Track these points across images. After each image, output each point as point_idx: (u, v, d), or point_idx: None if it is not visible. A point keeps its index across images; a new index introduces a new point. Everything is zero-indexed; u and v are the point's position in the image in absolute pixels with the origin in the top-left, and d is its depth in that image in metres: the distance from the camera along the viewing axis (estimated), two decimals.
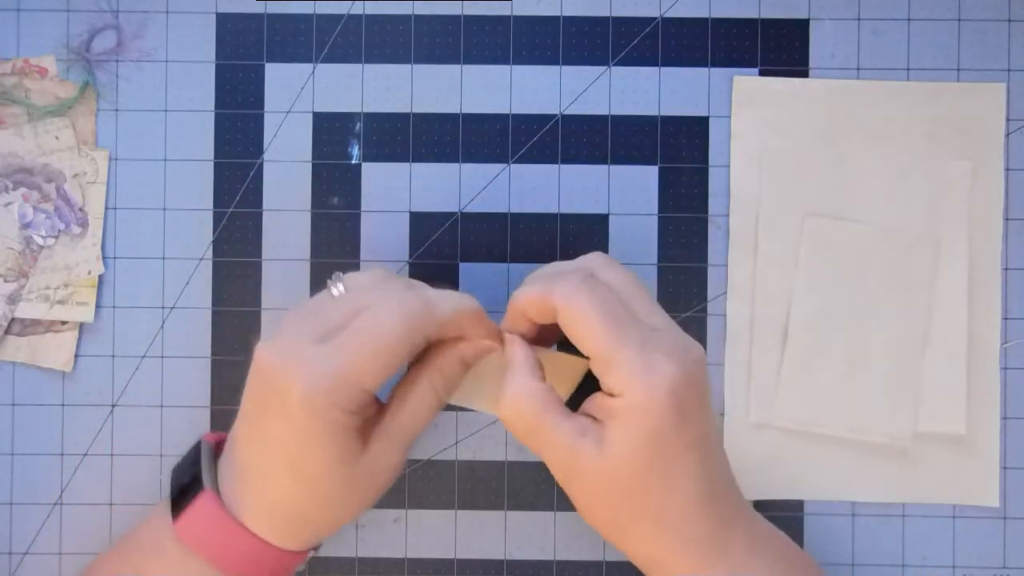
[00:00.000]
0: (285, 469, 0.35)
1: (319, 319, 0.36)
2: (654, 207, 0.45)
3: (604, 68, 0.45)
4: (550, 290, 0.35)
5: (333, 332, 0.35)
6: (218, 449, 0.39)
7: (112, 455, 0.44)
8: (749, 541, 0.37)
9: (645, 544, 0.36)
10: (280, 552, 0.37)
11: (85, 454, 0.44)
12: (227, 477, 0.37)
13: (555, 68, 0.45)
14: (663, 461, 0.34)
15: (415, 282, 0.38)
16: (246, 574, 0.36)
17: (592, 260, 0.38)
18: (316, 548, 0.39)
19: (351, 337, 0.35)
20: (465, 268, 0.45)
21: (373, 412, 0.37)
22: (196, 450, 0.38)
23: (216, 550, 0.36)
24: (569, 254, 0.44)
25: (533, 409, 0.35)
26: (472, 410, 0.41)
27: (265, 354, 0.35)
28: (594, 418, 0.36)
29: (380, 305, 0.35)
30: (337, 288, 0.37)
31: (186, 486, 0.37)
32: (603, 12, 0.45)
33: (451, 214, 0.45)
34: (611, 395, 0.35)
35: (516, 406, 0.36)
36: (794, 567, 0.38)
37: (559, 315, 0.35)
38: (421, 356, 0.38)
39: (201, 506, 0.36)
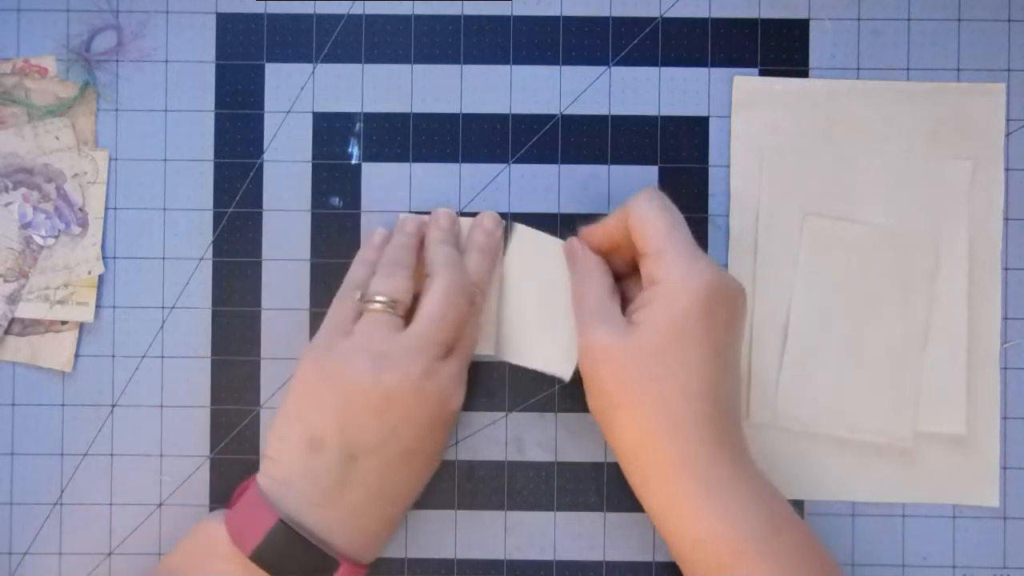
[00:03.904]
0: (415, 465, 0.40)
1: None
2: None
3: (604, 68, 0.45)
4: (626, 204, 0.40)
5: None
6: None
7: (112, 455, 0.44)
8: (740, 474, 0.38)
9: (641, 420, 0.38)
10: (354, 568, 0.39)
11: (85, 454, 0.44)
12: (314, 507, 0.38)
13: (555, 68, 0.45)
14: (684, 340, 0.38)
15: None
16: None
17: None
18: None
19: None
20: None
21: None
22: (255, 493, 0.39)
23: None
24: None
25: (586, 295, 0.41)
26: (472, 409, 0.41)
27: None
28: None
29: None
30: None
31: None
32: (603, 12, 0.45)
33: None
34: (652, 284, 0.39)
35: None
36: (777, 508, 0.38)
37: (633, 213, 0.39)
38: None
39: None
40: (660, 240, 0.39)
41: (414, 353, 0.38)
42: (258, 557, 0.37)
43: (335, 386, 0.38)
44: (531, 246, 0.44)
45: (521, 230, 0.44)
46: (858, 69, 0.45)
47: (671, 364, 0.38)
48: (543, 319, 0.43)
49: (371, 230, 0.44)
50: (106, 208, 0.45)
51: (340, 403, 0.38)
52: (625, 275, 0.43)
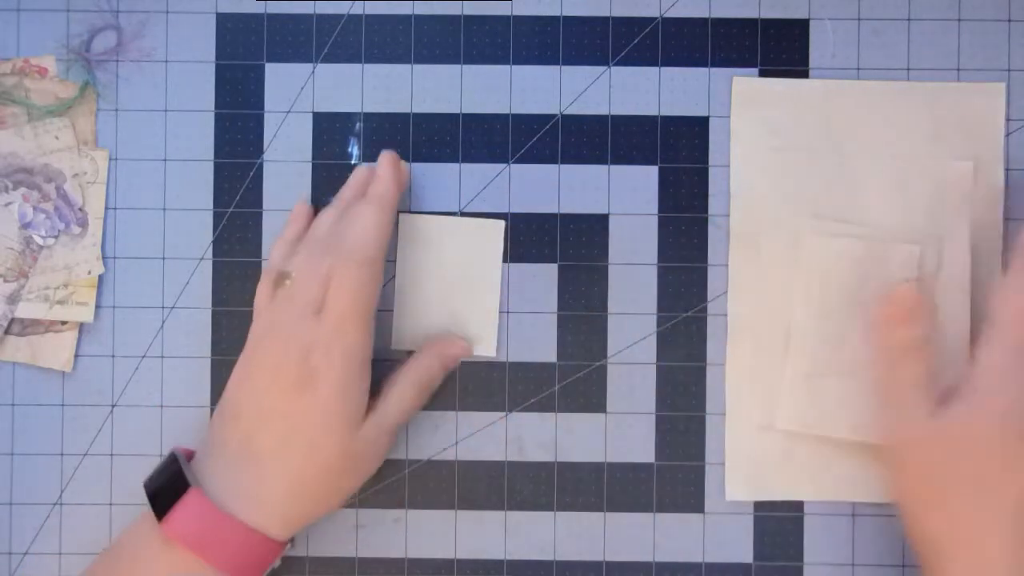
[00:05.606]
0: (297, 446, 0.39)
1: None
2: (654, 207, 0.45)
3: (604, 68, 0.45)
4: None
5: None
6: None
7: (112, 455, 0.44)
8: None
9: (951, 519, 0.38)
10: (266, 540, 0.38)
11: (85, 454, 0.44)
12: (212, 476, 0.39)
13: (555, 68, 0.45)
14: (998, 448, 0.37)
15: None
16: (230, 565, 0.38)
17: None
18: (291, 542, 0.41)
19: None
20: None
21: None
22: (170, 460, 0.40)
23: (205, 543, 0.37)
24: (569, 254, 0.44)
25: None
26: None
27: None
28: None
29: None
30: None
31: (165, 489, 0.38)
32: (603, 12, 0.45)
33: (451, 214, 0.45)
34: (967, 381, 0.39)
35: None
36: None
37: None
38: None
39: (190, 503, 0.37)
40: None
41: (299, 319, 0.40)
42: (145, 484, 0.39)
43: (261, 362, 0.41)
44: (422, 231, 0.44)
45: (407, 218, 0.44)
46: (858, 69, 0.45)
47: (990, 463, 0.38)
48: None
49: (297, 205, 0.44)
50: (106, 208, 0.45)
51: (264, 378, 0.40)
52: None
